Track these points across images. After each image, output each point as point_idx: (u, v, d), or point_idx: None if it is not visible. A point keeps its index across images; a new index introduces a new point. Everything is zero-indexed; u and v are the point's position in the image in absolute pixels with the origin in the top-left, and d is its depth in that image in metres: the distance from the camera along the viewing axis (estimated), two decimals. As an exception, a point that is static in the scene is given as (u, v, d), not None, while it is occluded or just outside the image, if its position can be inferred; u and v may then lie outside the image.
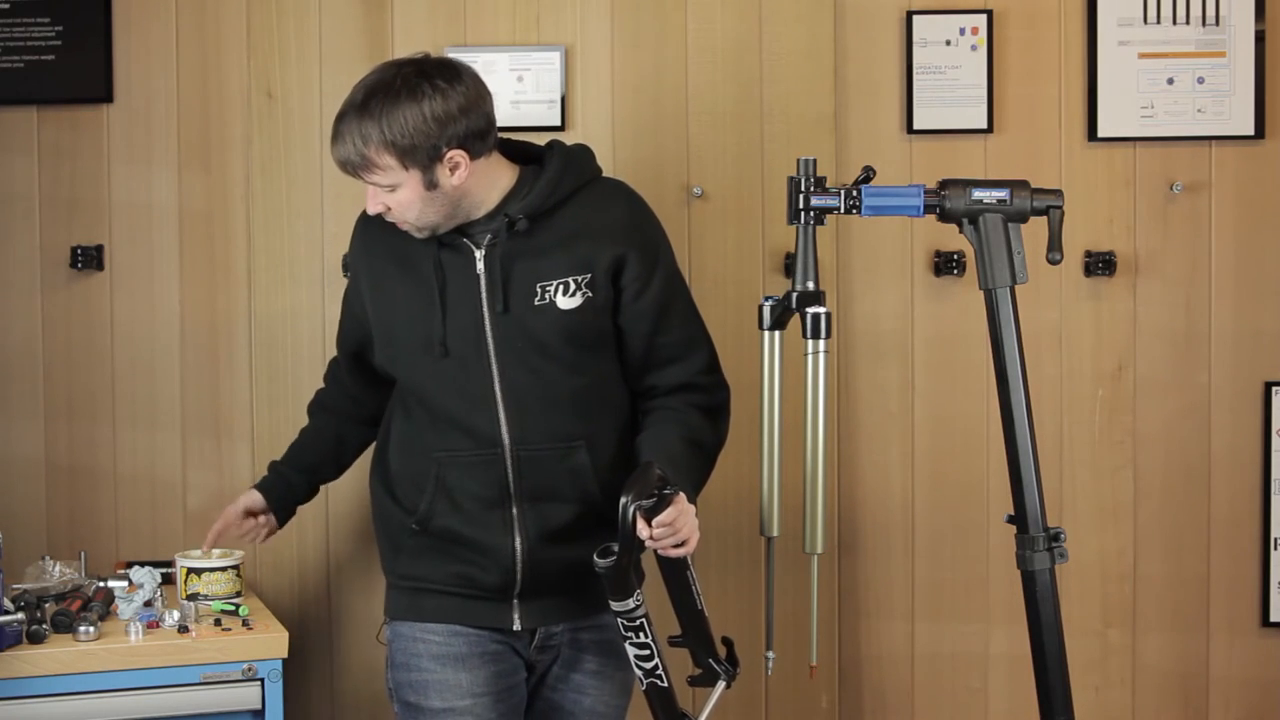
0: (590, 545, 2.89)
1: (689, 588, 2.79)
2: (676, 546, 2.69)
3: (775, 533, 3.05)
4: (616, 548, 2.64)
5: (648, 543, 2.65)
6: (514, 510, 2.82)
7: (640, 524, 2.63)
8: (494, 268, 2.81)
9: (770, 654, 3.08)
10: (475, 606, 2.85)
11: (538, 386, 2.82)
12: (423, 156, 2.72)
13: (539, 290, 2.82)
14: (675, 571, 2.76)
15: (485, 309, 2.81)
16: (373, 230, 2.90)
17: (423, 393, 2.86)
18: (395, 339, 2.88)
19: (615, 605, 2.71)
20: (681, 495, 2.69)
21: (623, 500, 2.63)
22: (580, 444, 2.85)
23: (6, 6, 3.51)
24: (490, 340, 2.81)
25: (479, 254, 2.82)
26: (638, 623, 2.73)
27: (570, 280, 2.83)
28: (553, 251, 2.83)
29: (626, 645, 2.77)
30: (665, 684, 2.80)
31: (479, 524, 2.82)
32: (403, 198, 2.76)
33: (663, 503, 2.65)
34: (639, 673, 2.79)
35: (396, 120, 2.70)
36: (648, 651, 2.76)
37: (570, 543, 2.86)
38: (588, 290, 2.84)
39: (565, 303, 2.84)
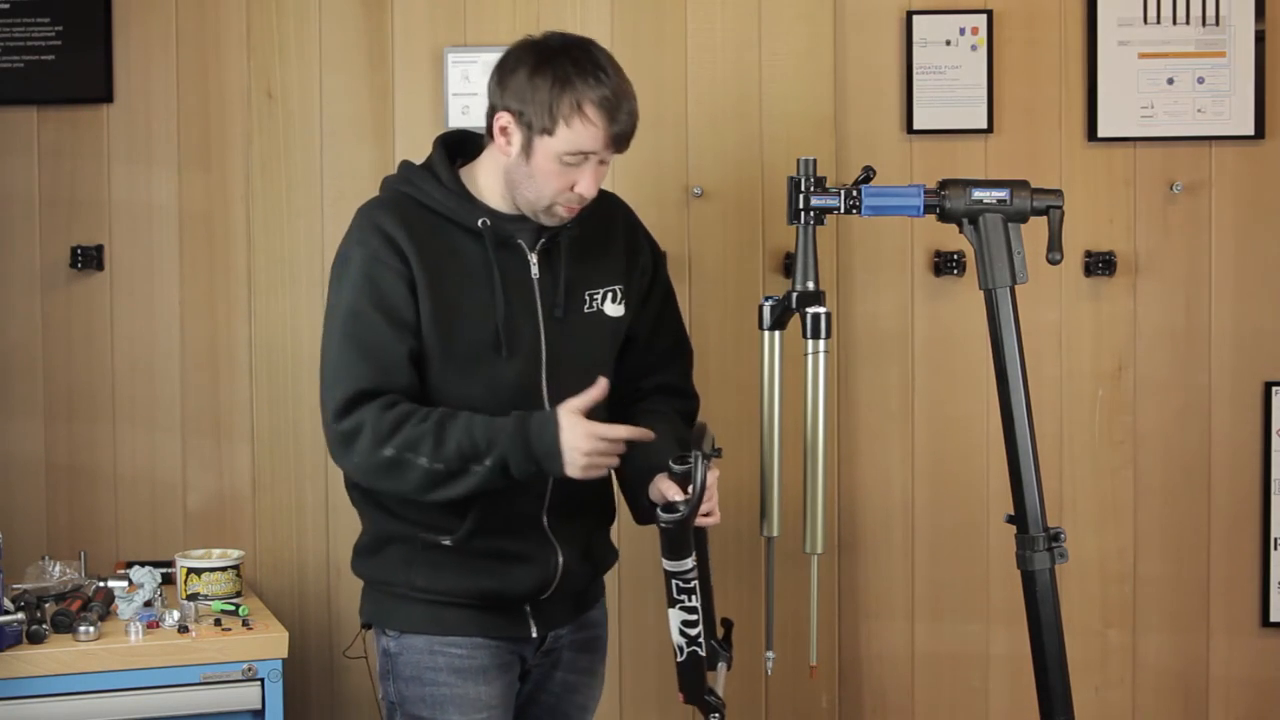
0: (603, 555, 2.91)
1: (706, 561, 2.78)
2: (705, 515, 2.69)
3: (775, 533, 3.05)
4: (680, 504, 2.62)
5: (681, 507, 2.65)
6: (545, 522, 2.78)
7: (674, 486, 2.64)
8: (550, 273, 2.77)
9: (770, 654, 3.08)
10: (496, 617, 2.80)
11: (580, 391, 2.75)
12: None
13: (588, 298, 2.80)
14: (697, 543, 2.75)
15: (540, 314, 2.76)
16: (418, 230, 2.72)
17: (471, 400, 2.70)
18: (454, 340, 2.71)
19: (671, 566, 2.67)
20: (715, 465, 2.70)
21: (695, 454, 2.62)
22: None
23: (6, 6, 3.51)
24: (544, 346, 2.76)
25: (532, 258, 2.76)
26: (691, 585, 2.70)
27: (616, 288, 2.83)
28: (592, 258, 2.81)
29: (673, 611, 2.72)
30: (704, 653, 2.77)
31: (522, 539, 2.77)
32: (609, 165, 2.75)
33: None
34: (681, 640, 2.74)
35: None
36: (695, 618, 2.72)
37: (592, 553, 2.89)
38: (625, 298, 2.84)
39: (613, 310, 2.83)
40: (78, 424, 3.57)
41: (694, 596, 2.71)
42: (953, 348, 3.74)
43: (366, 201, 2.82)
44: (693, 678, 2.79)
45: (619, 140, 2.67)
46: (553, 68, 2.65)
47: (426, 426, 2.63)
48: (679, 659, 2.77)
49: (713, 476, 2.68)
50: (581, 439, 2.61)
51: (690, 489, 2.63)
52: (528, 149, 2.67)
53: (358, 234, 2.75)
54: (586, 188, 2.68)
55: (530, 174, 2.68)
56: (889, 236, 3.72)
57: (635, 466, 2.75)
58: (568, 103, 2.63)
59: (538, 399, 2.75)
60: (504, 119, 2.69)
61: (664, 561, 2.69)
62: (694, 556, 2.69)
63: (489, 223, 2.73)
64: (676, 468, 2.64)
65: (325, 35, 3.59)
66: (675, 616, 2.74)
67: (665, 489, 2.69)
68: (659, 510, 2.64)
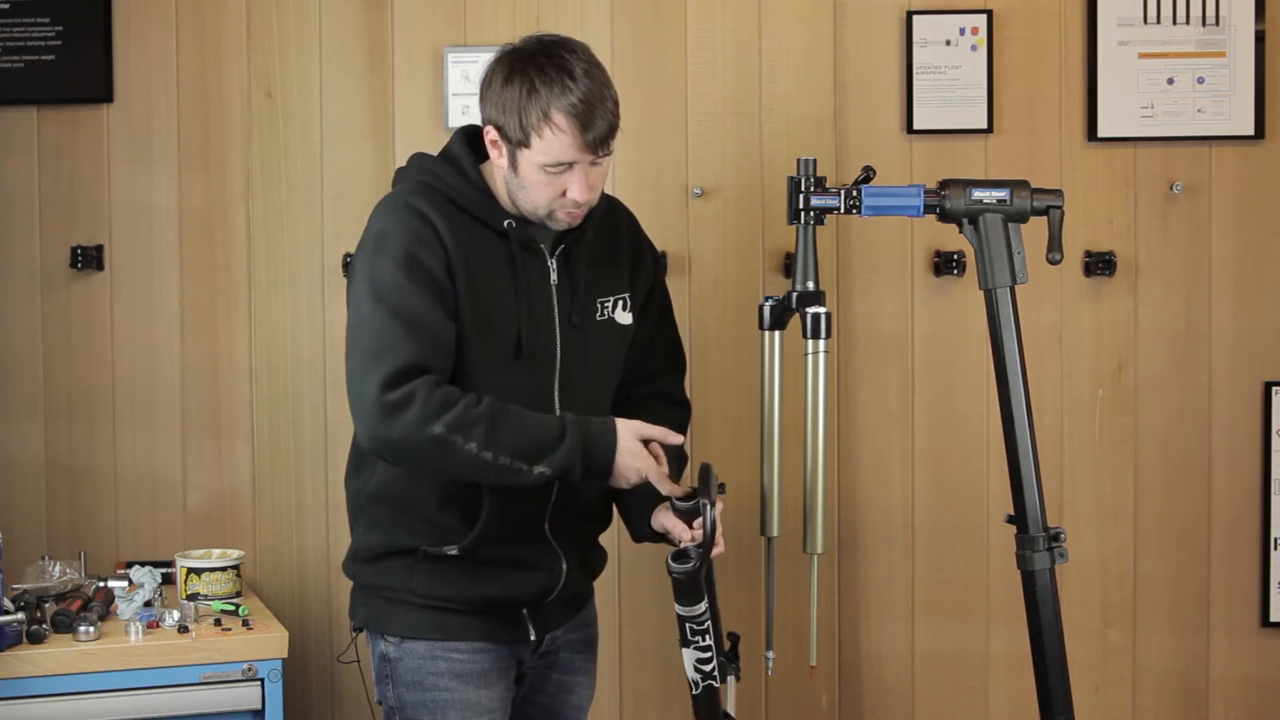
0: (597, 559, 2.91)
1: (713, 587, 2.79)
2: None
3: (775, 533, 3.05)
4: (692, 551, 2.62)
5: (684, 543, 2.66)
6: (547, 528, 2.77)
7: (682, 525, 2.65)
8: (567, 278, 2.75)
9: (770, 654, 3.08)
10: (496, 622, 2.80)
11: (589, 399, 2.77)
12: (619, 117, 2.68)
13: (599, 305, 2.79)
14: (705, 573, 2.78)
15: (557, 319, 2.74)
16: (451, 222, 2.68)
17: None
18: (480, 339, 2.68)
19: (684, 610, 2.68)
20: (721, 499, 2.71)
21: (702, 502, 2.62)
22: None
23: (6, 6, 3.51)
24: (559, 354, 2.75)
25: (552, 263, 2.74)
26: (704, 626, 2.71)
27: (625, 296, 2.82)
28: (604, 265, 2.80)
29: (687, 650, 2.74)
30: (717, 684, 2.79)
31: (526, 546, 2.76)
32: (606, 165, 2.68)
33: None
34: (695, 676, 2.76)
35: (610, 79, 2.66)
36: (709, 655, 2.74)
37: (591, 560, 2.89)
38: (633, 306, 2.83)
39: (623, 318, 2.82)
40: (78, 424, 3.58)
41: (707, 636, 2.72)
42: (953, 348, 3.74)
43: (395, 190, 2.76)
44: (708, 708, 2.81)
45: (596, 145, 2.62)
46: (520, 78, 2.61)
47: (479, 411, 2.57)
48: (694, 692, 2.79)
49: (717, 511, 2.67)
50: (632, 471, 2.63)
51: (701, 535, 2.63)
52: (513, 161, 2.66)
53: (393, 215, 2.68)
54: (578, 193, 2.64)
55: (522, 184, 2.67)
56: (889, 236, 3.72)
57: (637, 491, 2.75)
58: (536, 114, 2.60)
59: (549, 405, 2.74)
60: (491, 133, 2.68)
61: (677, 607, 2.70)
62: (706, 600, 2.69)
63: (514, 224, 2.71)
64: (681, 505, 2.65)
65: (325, 35, 3.59)
66: (689, 656, 2.75)
67: (670, 524, 2.70)
68: (670, 560, 2.63)
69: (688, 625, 2.71)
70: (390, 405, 2.56)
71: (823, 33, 3.68)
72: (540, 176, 2.64)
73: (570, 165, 2.63)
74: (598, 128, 2.61)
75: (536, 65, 2.61)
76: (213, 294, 3.60)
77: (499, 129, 2.65)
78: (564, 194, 2.65)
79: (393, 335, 2.59)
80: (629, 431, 2.64)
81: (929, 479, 3.77)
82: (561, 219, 2.69)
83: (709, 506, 2.61)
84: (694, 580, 2.64)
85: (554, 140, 2.60)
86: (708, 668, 2.75)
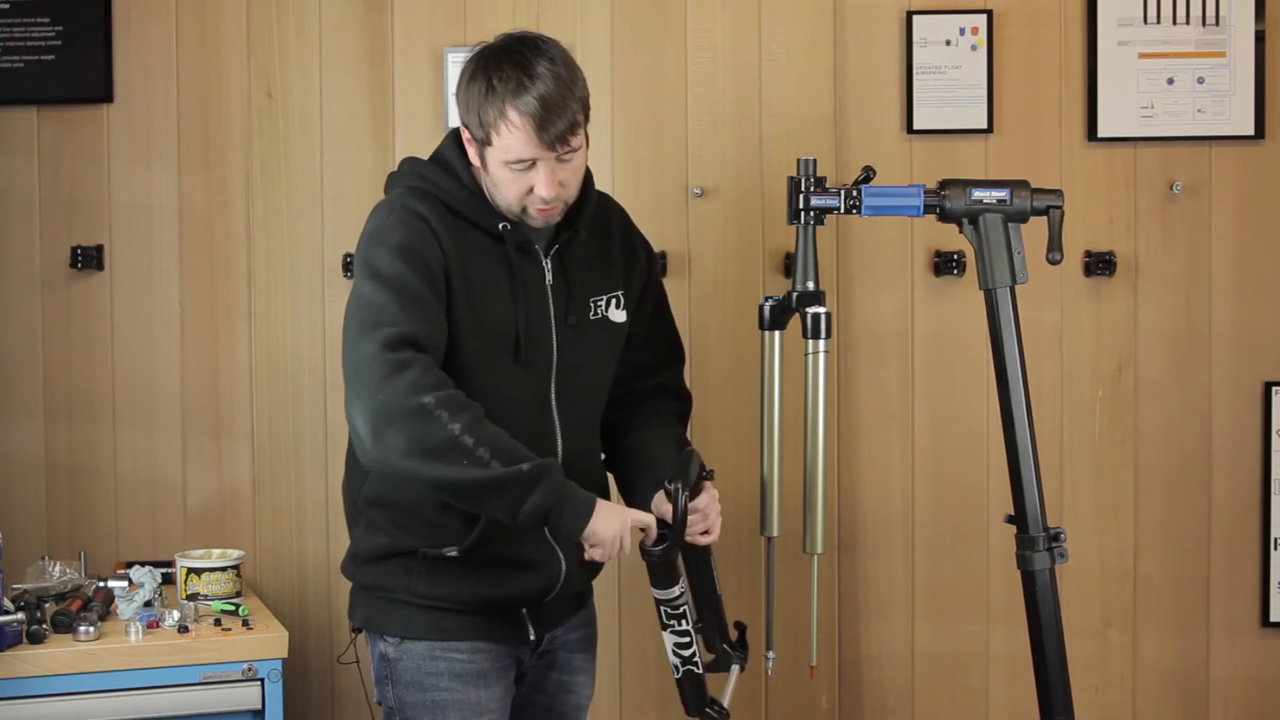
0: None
1: (710, 575, 2.81)
2: (703, 534, 2.72)
3: (775, 533, 3.05)
4: (666, 534, 2.64)
5: (667, 536, 2.67)
6: (549, 529, 2.76)
7: (670, 508, 2.65)
8: (562, 279, 2.76)
9: (770, 654, 3.09)
10: (496, 622, 2.80)
11: (584, 400, 2.79)
12: (588, 114, 2.69)
13: (592, 305, 2.79)
14: (700, 559, 2.78)
15: (553, 320, 2.75)
16: (448, 225, 2.69)
17: (487, 402, 2.66)
18: (476, 342, 2.69)
19: (659, 594, 2.71)
20: (711, 485, 2.72)
21: (673, 486, 2.63)
22: (600, 459, 2.85)
23: (6, 6, 3.51)
24: (555, 351, 2.75)
25: (546, 264, 2.75)
26: (680, 610, 2.73)
27: (619, 294, 2.82)
28: (597, 264, 2.80)
29: (666, 634, 2.76)
30: (700, 670, 2.80)
31: (527, 546, 2.76)
32: (578, 162, 2.68)
33: (695, 490, 2.69)
34: (675, 660, 2.79)
35: (580, 76, 2.67)
36: (687, 639, 2.76)
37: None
38: (627, 303, 2.84)
39: (616, 316, 2.82)
40: (78, 424, 3.58)
41: (684, 620, 2.75)
42: (953, 348, 3.74)
43: (392, 194, 2.76)
44: (692, 693, 2.83)
45: (554, 143, 2.62)
46: (481, 76, 2.64)
47: (472, 403, 2.55)
48: (676, 677, 2.82)
49: (709, 497, 2.69)
50: (616, 520, 2.61)
51: (673, 520, 2.65)
52: (483, 159, 2.68)
53: (393, 215, 2.68)
54: (544, 189, 2.65)
55: (494, 182, 2.69)
56: (889, 236, 3.72)
57: (640, 479, 2.79)
58: (493, 112, 2.62)
59: (546, 408, 2.75)
60: (465, 132, 2.70)
61: (653, 590, 2.72)
62: (681, 583, 2.72)
63: (509, 226, 2.71)
64: (671, 487, 2.66)
65: (325, 35, 3.59)
66: (668, 639, 2.78)
67: (666, 510, 2.70)
68: (642, 543, 2.66)
69: (663, 609, 2.74)
70: (391, 364, 2.52)
71: (823, 33, 3.68)
72: (506, 174, 2.66)
73: (533, 162, 2.64)
74: (555, 126, 2.61)
75: (496, 63, 2.64)
76: (213, 294, 3.60)
77: (468, 127, 2.69)
78: (530, 191, 2.67)
79: (393, 310, 2.58)
80: (625, 515, 2.64)
81: (929, 479, 3.77)
82: (535, 215, 2.70)
83: (680, 490, 2.63)
84: (666, 563, 2.66)
85: (510, 138, 2.62)
86: (686, 652, 2.77)
